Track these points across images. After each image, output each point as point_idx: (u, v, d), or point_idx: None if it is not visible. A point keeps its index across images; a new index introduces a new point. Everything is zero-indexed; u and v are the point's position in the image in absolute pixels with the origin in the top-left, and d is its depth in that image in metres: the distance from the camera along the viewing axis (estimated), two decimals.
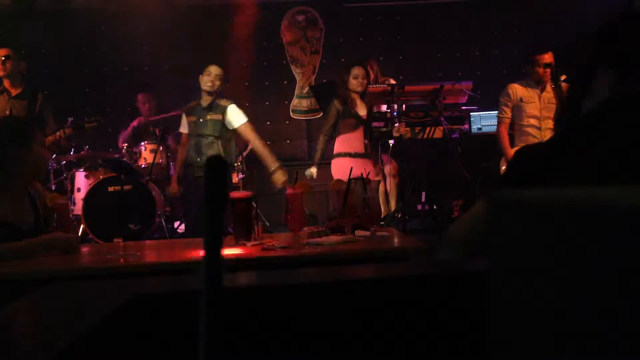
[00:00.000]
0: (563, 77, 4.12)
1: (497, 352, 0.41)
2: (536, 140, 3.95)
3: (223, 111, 3.85)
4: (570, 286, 0.32)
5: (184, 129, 4.01)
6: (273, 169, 3.72)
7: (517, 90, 4.23)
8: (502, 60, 6.39)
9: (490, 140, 4.79)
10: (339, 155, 3.96)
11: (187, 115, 3.95)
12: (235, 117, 3.86)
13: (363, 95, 4.03)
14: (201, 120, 3.85)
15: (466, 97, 4.63)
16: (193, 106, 3.93)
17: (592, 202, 0.32)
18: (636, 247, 0.27)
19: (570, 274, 0.32)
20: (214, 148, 3.83)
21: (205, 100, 3.87)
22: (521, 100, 4.20)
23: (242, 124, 3.86)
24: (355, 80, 3.94)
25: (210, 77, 3.83)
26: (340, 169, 3.69)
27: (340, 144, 3.99)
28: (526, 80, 4.26)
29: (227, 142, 3.89)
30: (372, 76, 5.02)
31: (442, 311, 0.74)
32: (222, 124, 3.84)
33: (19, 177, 2.05)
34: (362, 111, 4.00)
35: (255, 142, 3.89)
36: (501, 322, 0.40)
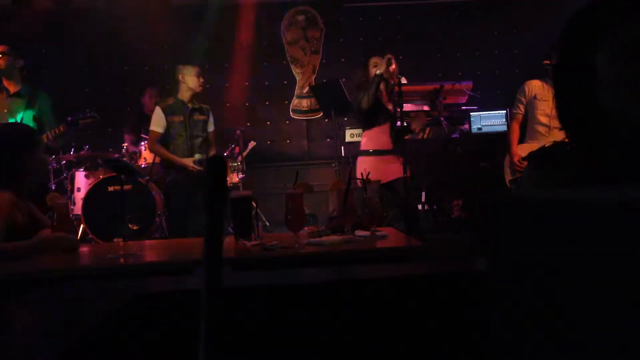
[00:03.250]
0: None
1: (498, 350, 0.41)
2: (545, 140, 3.82)
3: (208, 114, 3.92)
4: (569, 285, 0.32)
5: (159, 127, 3.80)
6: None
7: (533, 87, 4.14)
8: (502, 60, 6.38)
9: (490, 140, 4.79)
10: (367, 153, 3.65)
11: (169, 114, 3.79)
12: (212, 121, 3.96)
13: (389, 86, 3.71)
14: (191, 121, 3.81)
15: (466, 97, 4.62)
16: (173, 104, 3.82)
17: (591, 202, 0.32)
18: (635, 245, 0.27)
19: (569, 272, 0.32)
20: (203, 148, 3.86)
21: (191, 100, 3.83)
22: (535, 97, 4.11)
23: (213, 130, 3.98)
24: (375, 68, 3.63)
25: (199, 78, 3.81)
26: (366, 169, 3.23)
27: (368, 140, 3.68)
28: (545, 78, 4.17)
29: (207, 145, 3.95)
30: (392, 70, 4.87)
31: (442, 310, 0.74)
32: (207, 125, 3.92)
33: (28, 184, 2.09)
34: (388, 105, 3.70)
35: (214, 150, 4.04)
36: (501, 320, 0.40)
